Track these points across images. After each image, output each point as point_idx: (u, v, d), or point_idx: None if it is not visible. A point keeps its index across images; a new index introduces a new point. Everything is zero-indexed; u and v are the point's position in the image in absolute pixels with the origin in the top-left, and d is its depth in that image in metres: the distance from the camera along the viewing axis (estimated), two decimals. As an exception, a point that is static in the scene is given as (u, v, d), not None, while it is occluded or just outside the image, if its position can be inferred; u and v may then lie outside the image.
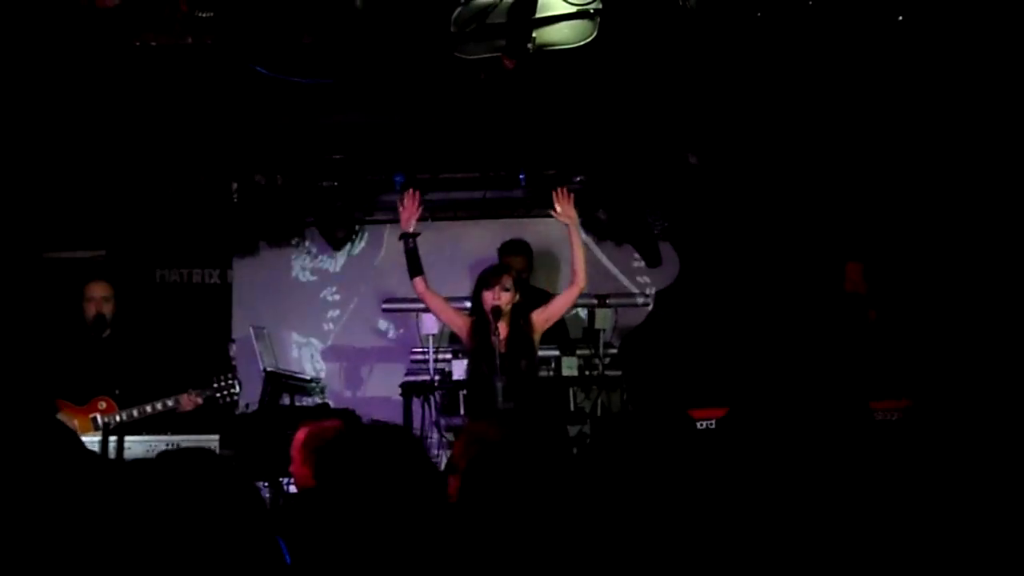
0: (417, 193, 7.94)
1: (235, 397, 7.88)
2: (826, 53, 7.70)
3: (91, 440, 7.21)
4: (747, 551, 4.04)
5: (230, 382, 7.79)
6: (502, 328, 7.53)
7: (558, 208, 7.80)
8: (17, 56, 7.37)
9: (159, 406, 7.58)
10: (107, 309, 7.87)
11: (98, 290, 7.92)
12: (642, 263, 10.48)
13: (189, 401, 7.63)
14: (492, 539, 3.91)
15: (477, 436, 5.35)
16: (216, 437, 7.42)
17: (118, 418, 7.52)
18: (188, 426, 7.64)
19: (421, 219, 10.34)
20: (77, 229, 10.10)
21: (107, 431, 7.24)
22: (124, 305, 8.08)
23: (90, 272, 8.22)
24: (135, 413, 7.55)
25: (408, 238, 7.82)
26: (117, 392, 7.62)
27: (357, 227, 10.38)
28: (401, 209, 8.00)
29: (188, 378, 7.75)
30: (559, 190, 7.85)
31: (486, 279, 7.60)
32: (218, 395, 7.75)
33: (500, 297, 7.49)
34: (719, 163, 9.67)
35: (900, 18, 7.05)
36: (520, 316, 7.62)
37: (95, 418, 7.54)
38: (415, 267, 7.84)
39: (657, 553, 3.90)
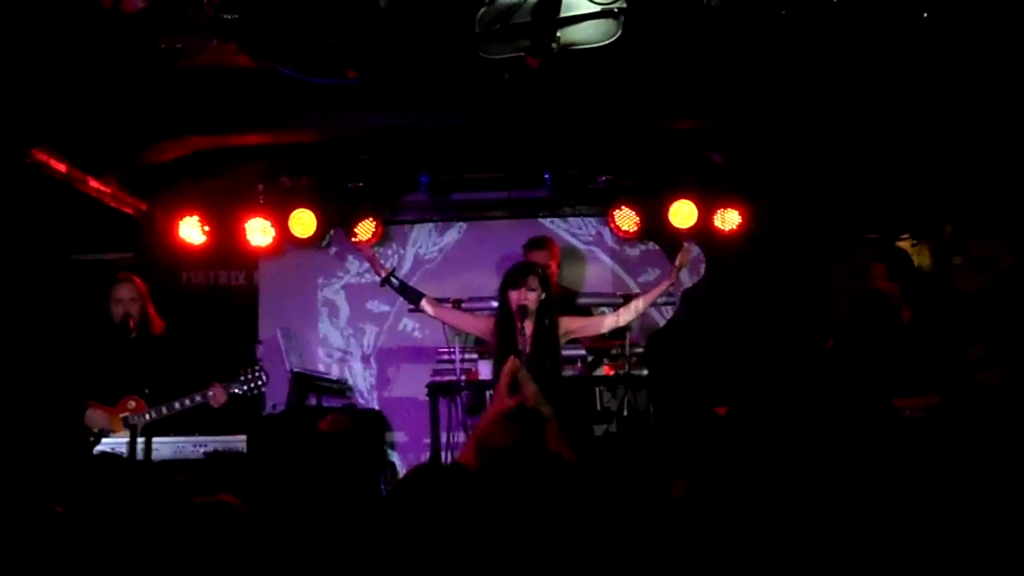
0: (362, 244, 8.11)
1: (262, 389, 7.92)
2: (851, 51, 7.66)
3: (120, 440, 7.29)
4: (772, 547, 4.03)
5: (257, 374, 7.81)
6: (527, 327, 7.50)
7: (676, 263, 7.86)
8: (44, 59, 7.39)
9: (188, 402, 7.61)
10: (134, 310, 7.89)
11: (124, 292, 7.93)
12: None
13: (219, 395, 7.65)
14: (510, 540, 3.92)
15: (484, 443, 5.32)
16: (243, 438, 7.44)
17: (148, 416, 7.55)
18: (216, 427, 7.65)
19: (447, 219, 10.44)
20: (105, 231, 10.15)
21: (135, 432, 7.27)
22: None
23: (116, 274, 8.23)
24: (164, 410, 7.58)
25: (389, 279, 7.90)
26: (146, 391, 7.66)
27: (383, 228, 10.38)
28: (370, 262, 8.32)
29: (216, 376, 7.77)
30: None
31: (512, 278, 7.57)
32: (246, 388, 7.77)
33: (527, 297, 7.46)
34: (744, 161, 9.66)
35: (925, 15, 7.00)
36: (546, 315, 7.59)
37: (126, 417, 7.58)
38: (413, 296, 7.94)
39: (685, 551, 3.90)
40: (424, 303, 7.92)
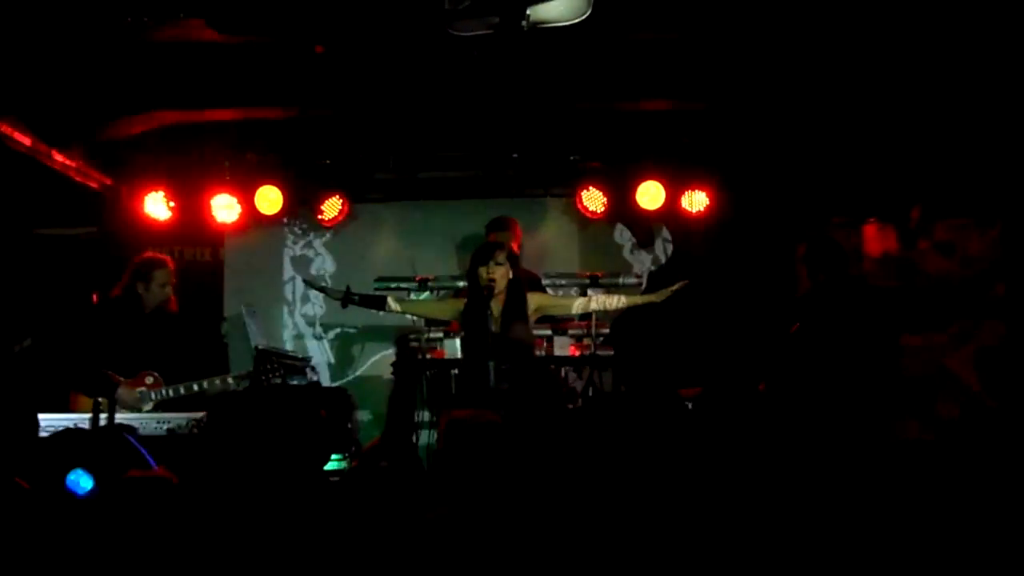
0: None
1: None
2: (820, 33, 7.67)
3: (83, 416, 7.21)
4: (739, 530, 4.04)
5: (275, 366, 7.82)
6: (496, 307, 7.51)
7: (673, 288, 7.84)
8: (7, 30, 7.33)
9: (205, 385, 7.60)
10: (169, 293, 8.05)
11: (165, 276, 8.10)
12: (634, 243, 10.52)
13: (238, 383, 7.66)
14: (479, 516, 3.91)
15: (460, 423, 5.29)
16: (204, 414, 7.39)
17: (165, 392, 7.54)
18: (177, 404, 7.61)
19: (414, 198, 10.39)
20: (69, 206, 10.08)
21: (97, 408, 7.20)
22: (109, 280, 8.15)
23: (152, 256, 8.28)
24: (182, 390, 7.58)
25: (350, 299, 7.91)
26: (161, 368, 7.66)
27: (349, 206, 10.34)
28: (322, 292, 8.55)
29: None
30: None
31: (479, 256, 7.59)
32: (263, 379, 7.77)
33: (495, 272, 7.47)
34: (712, 144, 9.67)
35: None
36: (514, 293, 7.59)
37: (143, 391, 7.53)
38: (376, 303, 7.94)
39: (651, 532, 3.89)
40: (390, 303, 7.91)
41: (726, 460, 4.62)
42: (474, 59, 7.27)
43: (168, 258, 8.28)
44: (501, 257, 7.53)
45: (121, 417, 7.25)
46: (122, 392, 7.41)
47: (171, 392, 7.56)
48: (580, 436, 4.53)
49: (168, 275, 8.13)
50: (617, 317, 9.51)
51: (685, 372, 8.90)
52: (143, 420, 7.32)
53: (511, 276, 7.58)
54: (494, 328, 7.42)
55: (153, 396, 7.51)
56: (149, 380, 7.58)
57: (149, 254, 8.28)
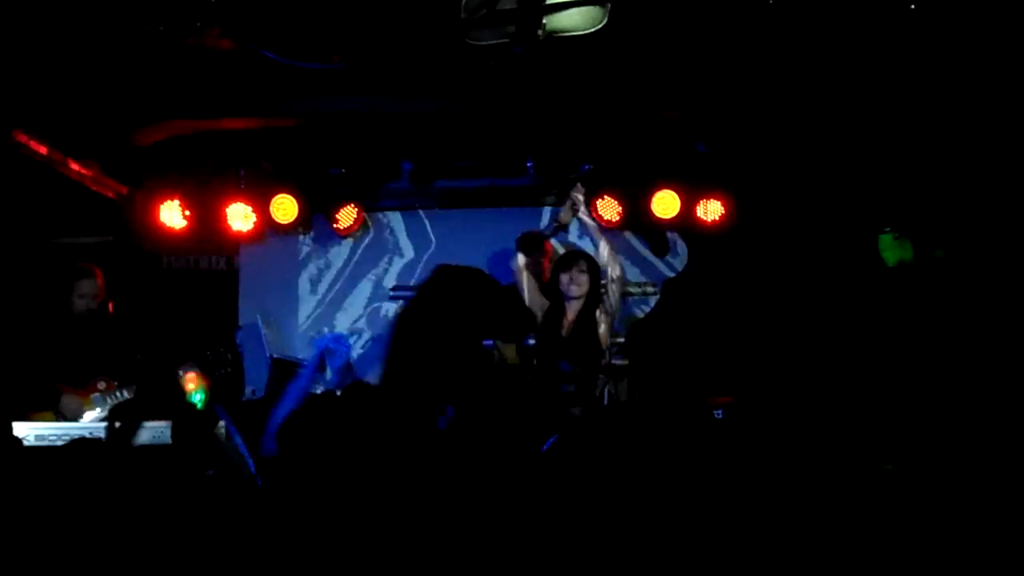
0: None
1: (228, 369, 7.90)
2: (835, 43, 7.65)
3: (99, 425, 7.20)
4: (757, 539, 4.02)
5: (222, 351, 7.81)
6: (571, 312, 7.66)
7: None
8: (24, 39, 7.34)
9: (155, 384, 7.61)
10: (97, 303, 7.93)
11: (87, 287, 7.98)
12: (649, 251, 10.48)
13: (189, 376, 7.65)
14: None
15: None
16: (221, 423, 7.39)
17: (119, 394, 7.53)
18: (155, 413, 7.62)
19: (428, 207, 10.38)
20: (85, 215, 10.09)
21: (114, 414, 7.21)
22: (125, 289, 8.14)
23: (76, 265, 8.23)
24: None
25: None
26: (115, 376, 7.65)
27: (364, 215, 10.34)
28: None
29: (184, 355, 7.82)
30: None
31: (563, 262, 7.76)
32: (211, 364, 7.77)
33: (577, 279, 7.66)
34: (728, 151, 9.64)
35: (912, 6, 7.00)
36: (590, 305, 7.71)
37: (96, 396, 7.54)
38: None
39: (667, 539, 3.88)
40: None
41: (758, 468, 4.61)
42: (490, 68, 7.27)
43: (96, 268, 8.16)
44: (584, 265, 7.70)
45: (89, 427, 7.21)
46: (66, 401, 7.44)
47: (126, 393, 7.57)
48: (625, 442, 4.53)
49: (88, 286, 8.01)
50: (632, 326, 9.50)
51: (702, 381, 8.86)
52: (157, 429, 7.29)
53: (589, 288, 7.70)
54: (564, 333, 7.56)
55: (108, 400, 7.52)
56: (101, 385, 7.60)
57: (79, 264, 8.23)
